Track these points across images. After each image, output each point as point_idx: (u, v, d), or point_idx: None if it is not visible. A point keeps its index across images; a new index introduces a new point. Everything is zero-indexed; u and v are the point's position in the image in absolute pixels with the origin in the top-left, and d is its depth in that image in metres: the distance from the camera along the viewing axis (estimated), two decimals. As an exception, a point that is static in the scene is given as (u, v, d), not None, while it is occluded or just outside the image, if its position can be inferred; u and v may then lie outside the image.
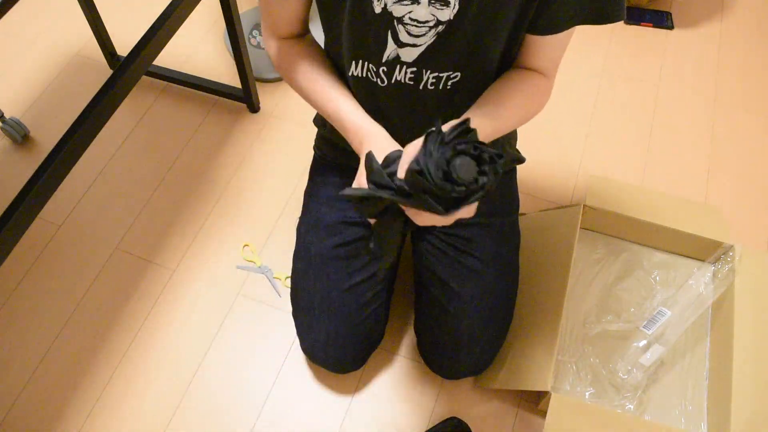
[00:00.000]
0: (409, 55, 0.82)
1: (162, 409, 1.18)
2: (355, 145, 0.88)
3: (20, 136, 1.53)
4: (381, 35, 0.81)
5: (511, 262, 1.11)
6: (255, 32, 1.75)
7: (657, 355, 1.13)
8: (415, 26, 0.78)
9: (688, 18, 1.84)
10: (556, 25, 0.79)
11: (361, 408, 1.18)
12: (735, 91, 1.67)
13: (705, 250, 1.24)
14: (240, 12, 1.42)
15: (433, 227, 1.12)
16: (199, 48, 1.75)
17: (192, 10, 1.28)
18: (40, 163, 1.06)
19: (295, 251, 1.15)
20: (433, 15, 0.76)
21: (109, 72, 1.68)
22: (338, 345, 1.10)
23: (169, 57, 1.71)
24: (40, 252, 1.37)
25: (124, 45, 1.69)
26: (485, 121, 0.82)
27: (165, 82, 1.66)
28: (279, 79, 1.67)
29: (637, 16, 1.83)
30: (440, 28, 0.78)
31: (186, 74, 1.63)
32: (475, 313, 1.06)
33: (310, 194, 1.16)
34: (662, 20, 1.82)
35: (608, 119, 1.61)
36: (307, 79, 0.90)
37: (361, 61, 0.85)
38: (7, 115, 1.52)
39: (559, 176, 1.49)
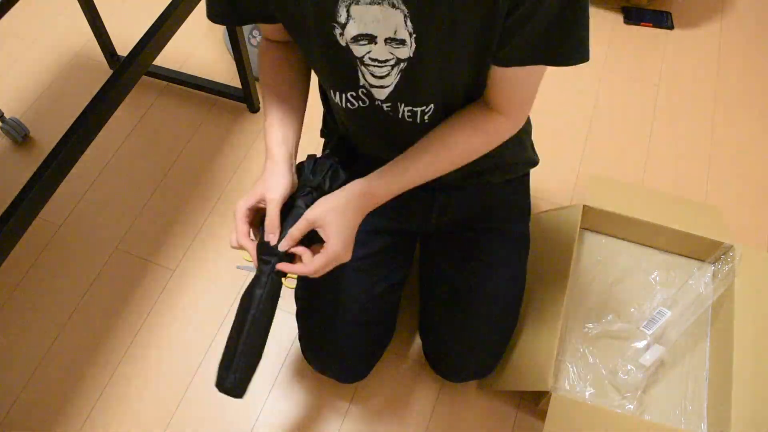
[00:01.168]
0: (380, 94, 0.83)
1: (162, 409, 1.18)
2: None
3: (20, 136, 1.53)
4: (351, 69, 0.81)
5: (520, 268, 1.11)
6: (255, 32, 1.75)
7: (657, 355, 1.13)
8: (377, 66, 0.78)
9: (688, 18, 1.84)
10: (509, 59, 0.75)
11: (362, 408, 1.18)
12: (735, 91, 1.67)
13: (705, 250, 1.24)
14: (240, 12, 1.42)
15: (440, 231, 1.11)
16: (199, 48, 1.75)
17: (192, 10, 1.28)
18: (40, 163, 1.06)
19: None
20: (392, 54, 0.76)
21: (109, 72, 1.68)
22: (353, 358, 1.09)
23: (169, 57, 1.71)
24: (40, 252, 1.37)
25: (124, 45, 1.69)
26: (415, 170, 0.85)
27: (165, 82, 1.66)
28: (279, 79, 1.67)
29: (637, 16, 1.83)
30: (402, 65, 0.77)
31: (186, 74, 1.63)
32: (483, 318, 1.06)
33: None
34: (662, 20, 1.82)
35: (608, 119, 1.61)
36: (266, 85, 0.92)
37: (339, 92, 0.86)
38: (7, 115, 1.52)
39: (559, 176, 1.49)
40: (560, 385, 1.13)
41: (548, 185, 1.47)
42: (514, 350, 1.12)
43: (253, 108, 1.60)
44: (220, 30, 1.79)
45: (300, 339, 1.12)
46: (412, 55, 0.75)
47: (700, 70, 1.72)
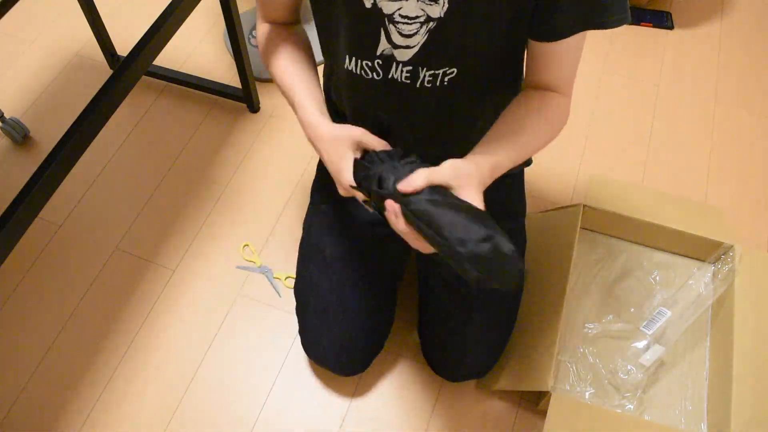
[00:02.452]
0: (403, 55, 0.82)
1: (162, 409, 1.18)
2: (309, 139, 0.86)
3: (20, 136, 1.53)
4: (374, 32, 0.80)
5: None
6: (255, 32, 1.75)
7: (657, 355, 1.13)
8: (406, 23, 0.77)
9: (688, 18, 1.84)
10: (558, 31, 0.76)
11: (362, 408, 1.18)
12: (735, 91, 1.67)
13: (705, 250, 1.24)
14: (240, 12, 1.42)
15: None
16: (199, 48, 1.75)
17: (192, 10, 1.28)
18: (40, 163, 1.06)
19: (305, 252, 1.13)
20: (423, 10, 0.75)
21: (109, 72, 1.68)
22: (351, 349, 1.09)
23: (169, 57, 1.71)
24: (40, 252, 1.37)
25: (124, 45, 1.69)
26: (504, 154, 0.79)
27: (165, 82, 1.66)
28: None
29: (637, 16, 1.83)
30: (431, 24, 0.76)
31: (186, 74, 1.63)
32: (481, 317, 1.06)
33: (321, 193, 1.13)
34: (662, 20, 1.82)
35: (608, 119, 1.61)
36: (280, 66, 0.89)
37: (355, 58, 0.85)
38: (7, 115, 1.52)
39: (559, 176, 1.49)
40: (560, 385, 1.13)
41: (548, 185, 1.47)
42: (514, 350, 1.12)
43: (253, 108, 1.60)
44: (220, 30, 1.79)
45: (300, 333, 1.14)
46: (442, 15, 0.75)
47: (700, 70, 1.72)
